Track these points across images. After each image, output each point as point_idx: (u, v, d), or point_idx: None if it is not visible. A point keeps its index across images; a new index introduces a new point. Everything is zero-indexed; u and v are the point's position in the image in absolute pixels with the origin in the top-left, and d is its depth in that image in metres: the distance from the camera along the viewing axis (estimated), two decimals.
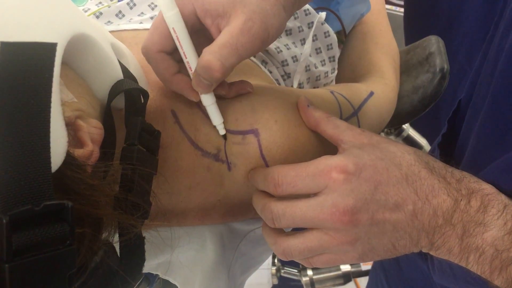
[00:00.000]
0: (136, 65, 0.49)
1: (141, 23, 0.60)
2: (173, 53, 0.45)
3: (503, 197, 0.40)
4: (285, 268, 1.25)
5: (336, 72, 0.75)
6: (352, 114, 0.60)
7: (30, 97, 0.27)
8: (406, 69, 0.83)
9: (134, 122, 0.40)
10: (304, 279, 1.21)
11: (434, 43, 0.81)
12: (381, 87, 0.73)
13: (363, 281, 1.82)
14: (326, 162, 0.42)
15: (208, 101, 0.47)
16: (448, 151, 0.58)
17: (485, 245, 0.39)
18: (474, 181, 0.41)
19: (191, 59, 0.44)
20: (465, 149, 0.52)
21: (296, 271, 1.24)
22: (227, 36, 0.41)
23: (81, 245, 0.31)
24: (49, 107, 0.28)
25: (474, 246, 0.39)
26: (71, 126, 0.35)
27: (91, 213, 0.32)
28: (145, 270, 0.60)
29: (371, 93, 0.68)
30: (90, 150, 0.35)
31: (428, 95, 0.78)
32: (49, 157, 0.28)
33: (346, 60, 0.82)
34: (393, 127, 0.92)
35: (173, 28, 0.41)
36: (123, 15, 0.62)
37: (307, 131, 0.51)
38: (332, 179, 0.41)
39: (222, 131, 0.49)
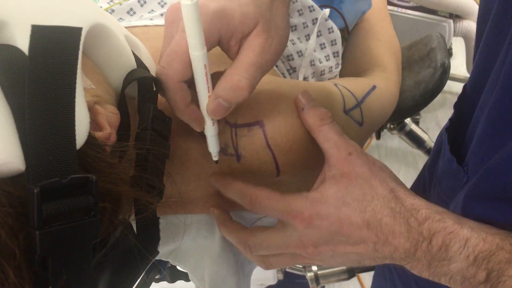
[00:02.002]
0: (148, 56, 0.51)
1: (151, 19, 0.62)
2: (188, 81, 0.46)
3: (465, 231, 0.42)
4: None
5: (340, 67, 0.77)
6: (355, 106, 0.62)
7: (57, 78, 0.29)
8: (408, 65, 0.85)
9: (147, 108, 0.42)
10: (309, 274, 1.23)
11: (435, 39, 0.83)
12: (384, 81, 0.75)
13: (367, 279, 1.83)
14: (296, 207, 0.46)
15: (212, 131, 0.48)
16: (457, 135, 0.60)
17: (452, 273, 0.43)
18: (437, 219, 0.44)
19: (206, 91, 0.44)
20: (474, 134, 0.54)
21: (301, 266, 1.25)
22: (251, 55, 0.43)
23: (103, 218, 0.33)
24: (75, 88, 0.30)
25: (443, 273, 0.43)
26: (90, 111, 0.38)
27: (111, 190, 0.34)
28: (157, 257, 0.63)
29: (374, 87, 0.70)
30: (108, 132, 0.38)
31: (429, 90, 0.80)
32: (74, 135, 0.30)
33: (349, 56, 0.84)
34: (395, 121, 0.94)
35: (195, 65, 0.41)
36: (134, 12, 0.64)
37: None
38: (296, 222, 0.46)
39: (215, 159, 0.51)
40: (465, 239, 0.43)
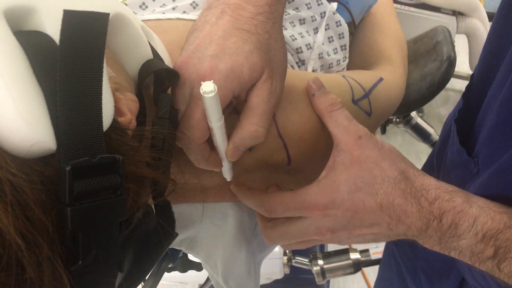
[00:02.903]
0: (163, 48, 0.52)
1: (163, 13, 0.63)
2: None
3: (474, 210, 0.45)
4: (296, 258, 1.28)
5: (347, 60, 0.78)
6: (363, 96, 0.63)
7: (86, 63, 0.31)
8: (414, 58, 0.87)
9: (165, 99, 0.43)
10: (315, 269, 1.24)
11: (440, 33, 0.84)
12: (390, 74, 0.76)
13: (372, 274, 1.84)
14: (310, 199, 0.48)
15: (228, 167, 0.52)
16: (465, 125, 0.61)
17: (461, 248, 0.45)
18: (447, 199, 0.46)
19: (225, 143, 0.48)
20: (483, 126, 0.55)
21: (307, 260, 1.26)
22: (262, 104, 0.46)
23: (128, 197, 0.35)
24: (102, 72, 0.32)
25: (452, 247, 0.46)
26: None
27: (134, 172, 0.35)
28: (170, 245, 0.64)
29: (381, 79, 0.71)
30: (129, 118, 0.39)
31: (435, 83, 0.81)
32: (101, 118, 0.32)
33: (356, 50, 0.85)
34: (401, 114, 0.95)
35: (216, 132, 0.45)
36: (146, 7, 0.65)
37: None
38: (314, 214, 0.48)
39: (229, 179, 0.54)
40: (474, 217, 0.44)
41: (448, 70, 0.80)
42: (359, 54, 0.84)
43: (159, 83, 0.45)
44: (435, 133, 0.98)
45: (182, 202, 0.60)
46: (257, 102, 0.46)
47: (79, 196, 0.29)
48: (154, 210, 0.41)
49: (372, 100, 0.66)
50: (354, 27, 0.89)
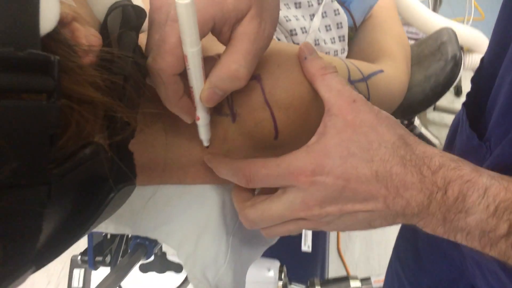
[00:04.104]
0: None
1: None
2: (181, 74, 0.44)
3: (484, 179, 0.39)
4: (293, 284, 1.19)
5: (346, 52, 0.74)
6: (361, 79, 0.59)
7: None
8: (417, 61, 0.82)
9: (129, 36, 0.39)
10: None
11: (445, 33, 0.80)
12: (392, 69, 0.71)
13: None
14: (297, 163, 0.42)
15: (204, 121, 0.46)
16: (475, 110, 0.56)
17: (469, 228, 0.39)
18: (453, 167, 0.40)
19: (201, 82, 0.43)
20: (494, 108, 0.51)
21: (304, 286, 1.18)
22: (246, 42, 0.41)
23: (68, 118, 0.29)
24: None
25: (459, 228, 0.39)
26: (67, 26, 0.34)
27: (78, 92, 0.30)
28: (142, 232, 0.58)
29: (381, 70, 0.67)
30: (86, 48, 0.34)
31: (440, 83, 0.77)
32: (38, 10, 0.27)
33: (356, 48, 0.81)
34: (406, 117, 0.90)
35: (191, 61, 0.40)
36: None
37: None
38: (301, 181, 0.42)
39: (206, 144, 0.49)
40: (484, 188, 0.38)
41: (454, 70, 0.76)
42: (359, 52, 0.80)
43: (125, 22, 0.41)
44: (440, 144, 0.93)
45: (157, 183, 0.54)
46: (242, 39, 0.41)
47: (2, 91, 0.24)
48: (110, 154, 0.35)
49: (371, 87, 0.61)
50: (356, 31, 0.86)
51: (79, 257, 0.66)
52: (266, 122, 0.49)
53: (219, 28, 0.41)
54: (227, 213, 0.55)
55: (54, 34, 0.30)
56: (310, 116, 0.49)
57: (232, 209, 0.56)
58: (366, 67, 0.63)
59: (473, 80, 0.60)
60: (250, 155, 0.52)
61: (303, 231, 1.64)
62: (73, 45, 0.32)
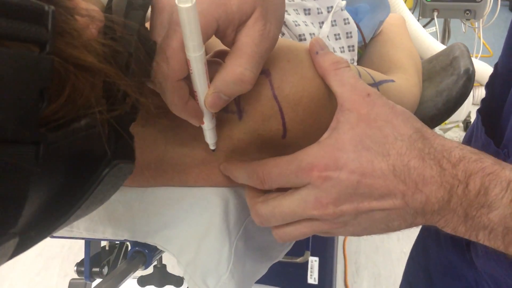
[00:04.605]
0: None
1: None
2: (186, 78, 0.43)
3: (507, 172, 0.37)
4: None
5: (355, 63, 0.72)
6: (372, 84, 0.57)
7: None
8: (428, 76, 0.81)
9: (136, 15, 0.37)
10: None
11: (457, 49, 0.79)
12: (404, 81, 0.70)
13: None
14: (308, 159, 0.41)
15: (210, 125, 0.45)
16: (490, 117, 0.55)
17: (492, 224, 0.37)
18: (474, 159, 0.38)
19: (205, 87, 0.42)
20: (511, 114, 0.50)
21: None
22: (251, 45, 0.40)
23: (63, 80, 0.27)
24: None
25: (481, 225, 0.37)
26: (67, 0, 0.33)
27: (74, 56, 0.29)
28: (141, 238, 0.55)
29: (392, 80, 0.65)
30: (86, 20, 0.33)
31: (453, 98, 0.74)
32: None
33: (367, 62, 0.80)
34: None
35: (194, 66, 0.39)
36: None
37: None
38: (314, 177, 0.40)
39: (212, 148, 0.48)
40: (508, 180, 0.36)
41: (467, 84, 0.74)
42: (370, 66, 0.78)
43: (131, 4, 0.39)
44: None
45: (158, 184, 0.52)
46: (246, 42, 0.40)
47: None
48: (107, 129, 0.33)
49: (382, 93, 0.59)
50: (365, 47, 0.85)
51: (75, 268, 0.63)
52: (274, 119, 0.46)
53: (223, 31, 0.40)
54: (230, 219, 0.52)
55: None
56: (321, 115, 0.47)
57: (236, 214, 0.53)
58: (377, 75, 0.62)
59: (487, 87, 0.58)
60: (256, 157, 0.50)
61: (309, 262, 1.59)
62: (70, 7, 0.30)
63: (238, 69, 0.39)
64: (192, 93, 0.42)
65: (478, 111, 0.57)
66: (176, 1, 0.33)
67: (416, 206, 0.38)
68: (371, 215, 0.40)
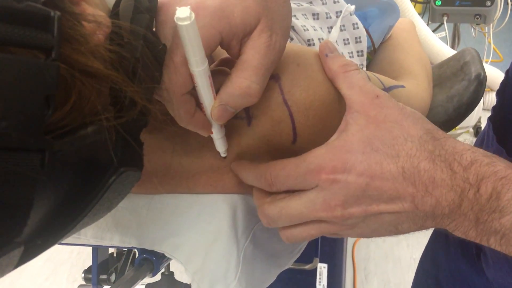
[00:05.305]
0: None
1: None
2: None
3: None
4: None
5: (364, 68, 0.72)
6: (382, 89, 0.56)
7: None
8: (439, 82, 0.80)
9: (141, 17, 0.37)
10: None
11: (468, 54, 0.78)
12: (414, 86, 0.69)
13: None
14: (316, 161, 0.40)
15: (219, 134, 0.45)
16: (502, 124, 0.54)
17: (504, 229, 0.36)
18: (486, 163, 0.37)
19: (211, 99, 0.41)
20: None
21: None
22: (257, 57, 0.39)
23: (69, 87, 0.27)
24: None
25: (493, 230, 0.36)
26: (74, 6, 0.33)
27: (81, 62, 0.28)
28: (148, 245, 0.54)
29: (402, 85, 0.64)
30: (93, 26, 0.32)
31: (463, 103, 0.73)
32: None
33: (376, 68, 0.79)
34: None
35: (199, 80, 0.39)
36: None
37: None
38: (322, 179, 0.39)
39: (223, 155, 0.48)
40: None
41: (478, 89, 0.73)
42: (379, 71, 0.77)
43: (138, 5, 0.39)
44: None
45: (166, 191, 0.52)
46: (252, 54, 0.39)
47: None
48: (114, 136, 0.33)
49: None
50: (374, 53, 0.84)
51: (82, 275, 0.63)
52: (284, 124, 0.46)
53: (227, 43, 0.39)
54: (239, 226, 0.52)
55: (57, 0, 0.28)
56: (331, 119, 0.47)
57: (244, 222, 0.52)
58: (387, 80, 0.61)
59: (498, 94, 0.57)
60: (265, 161, 0.49)
61: (318, 268, 1.57)
62: (77, 13, 0.30)
63: (244, 82, 0.39)
64: (199, 105, 0.41)
65: (489, 118, 0.56)
66: (175, 19, 0.33)
67: (426, 209, 0.37)
68: (380, 217, 0.39)
